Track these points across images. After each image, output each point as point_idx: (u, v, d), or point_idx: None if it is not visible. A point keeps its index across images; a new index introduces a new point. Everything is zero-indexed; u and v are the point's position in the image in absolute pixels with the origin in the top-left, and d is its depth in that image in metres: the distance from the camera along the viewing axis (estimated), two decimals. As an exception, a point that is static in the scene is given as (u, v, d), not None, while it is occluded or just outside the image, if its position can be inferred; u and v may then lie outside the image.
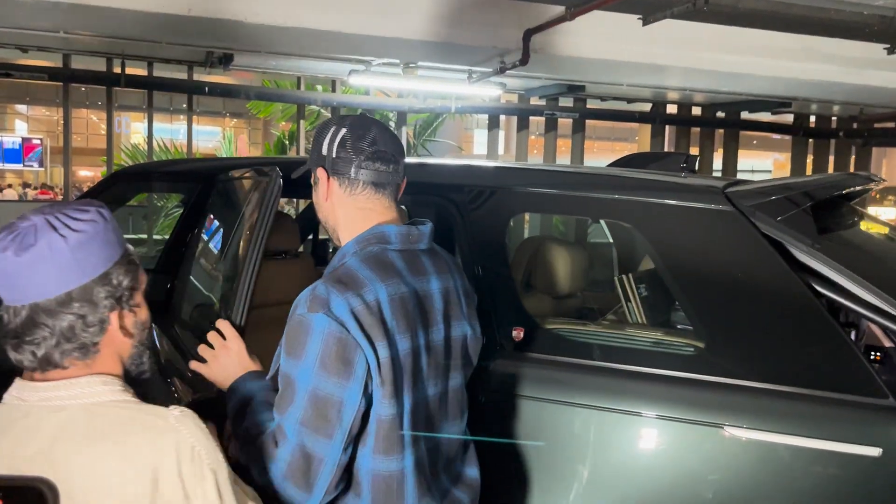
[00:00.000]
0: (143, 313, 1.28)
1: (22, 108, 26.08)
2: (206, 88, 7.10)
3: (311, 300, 1.38)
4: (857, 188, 2.35)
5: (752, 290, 2.02)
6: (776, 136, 12.38)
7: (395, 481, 1.42)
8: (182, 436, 1.13)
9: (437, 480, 1.53)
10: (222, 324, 1.63)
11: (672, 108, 9.46)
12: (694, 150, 9.77)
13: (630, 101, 8.72)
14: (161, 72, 7.23)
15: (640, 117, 9.14)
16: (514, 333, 2.22)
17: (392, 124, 8.57)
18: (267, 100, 9.03)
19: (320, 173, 1.53)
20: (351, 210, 1.52)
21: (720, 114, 9.27)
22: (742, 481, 1.89)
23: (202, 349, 1.63)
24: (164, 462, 1.10)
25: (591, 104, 8.77)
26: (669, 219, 2.18)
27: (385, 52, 6.04)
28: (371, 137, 1.50)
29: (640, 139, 14.31)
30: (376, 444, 1.40)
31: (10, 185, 20.43)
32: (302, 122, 8.15)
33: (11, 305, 1.16)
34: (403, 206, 2.34)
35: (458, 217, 2.33)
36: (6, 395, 1.19)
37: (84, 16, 5.07)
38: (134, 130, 20.29)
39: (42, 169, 18.59)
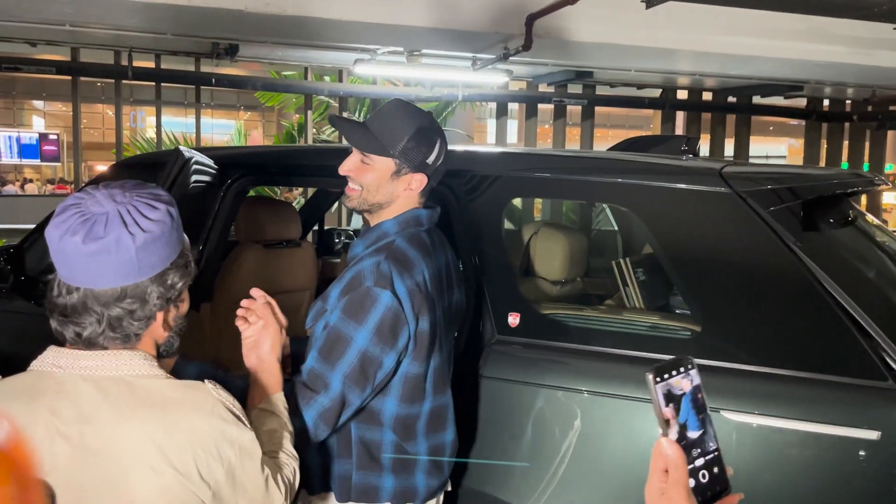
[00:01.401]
0: (185, 306, 1.35)
1: (38, 103, 26.30)
2: (213, 79, 7.11)
3: (378, 276, 1.62)
4: (859, 189, 2.31)
5: (750, 273, 1.99)
6: (792, 122, 12.24)
7: (412, 421, 1.74)
8: (223, 414, 1.21)
9: (442, 426, 1.81)
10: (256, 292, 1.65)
11: (683, 94, 9.36)
12: (705, 137, 9.68)
13: (640, 87, 8.64)
14: (169, 64, 7.25)
15: (649, 103, 9.05)
16: (510, 319, 2.21)
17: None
18: (274, 90, 9.03)
19: (421, 178, 1.73)
20: (412, 200, 1.77)
21: (731, 99, 9.17)
22: (739, 466, 1.86)
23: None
24: (206, 440, 1.18)
25: (601, 91, 8.70)
26: (666, 202, 2.15)
27: (388, 40, 6.02)
28: (447, 149, 1.77)
29: (654, 126, 14.21)
30: (402, 394, 1.70)
31: (31, 181, 20.64)
32: (309, 112, 8.14)
33: (65, 283, 1.20)
34: None
35: (455, 202, 2.31)
36: (38, 362, 1.22)
37: (88, 7, 5.09)
38: (149, 125, 20.40)
39: (59, 164, 18.76)
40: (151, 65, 7.10)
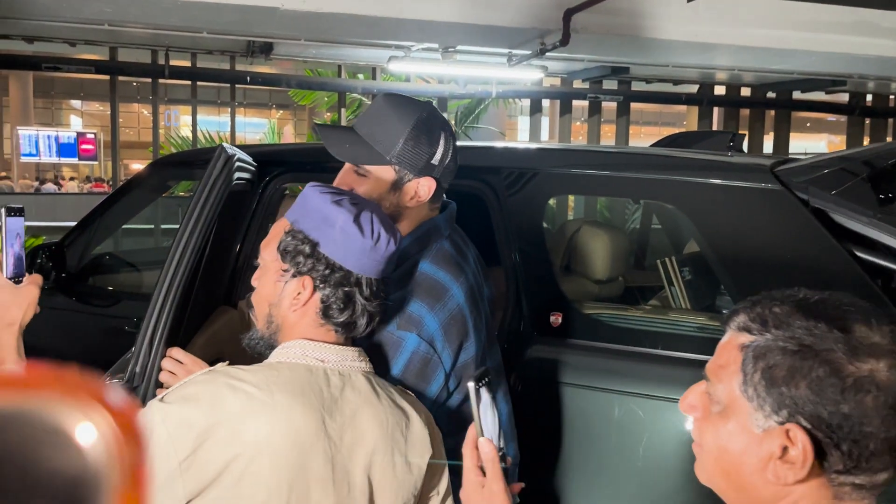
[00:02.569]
0: None
1: (76, 103, 26.82)
2: (248, 78, 7.15)
3: (403, 318, 1.41)
4: None
5: (802, 272, 1.93)
6: (831, 118, 11.97)
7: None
8: None
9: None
10: (175, 352, 1.59)
11: (720, 90, 9.20)
12: (743, 133, 9.51)
13: (676, 82, 8.51)
14: (204, 63, 7.31)
15: (686, 99, 8.91)
16: (552, 319, 2.16)
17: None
18: (308, 88, 9.06)
19: (428, 182, 1.48)
20: (426, 209, 1.53)
21: (771, 94, 8.98)
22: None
23: (165, 377, 1.58)
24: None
25: (636, 87, 8.59)
26: (714, 198, 2.09)
27: (422, 36, 5.99)
28: (455, 145, 1.51)
29: (688, 123, 14.01)
30: (449, 429, 1.43)
31: (72, 178, 21.00)
32: (343, 110, 8.15)
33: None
34: None
35: (494, 200, 2.27)
36: (300, 356, 1.23)
37: (127, 6, 5.14)
38: (183, 123, 20.68)
39: (95, 162, 19.08)
40: (188, 64, 7.16)
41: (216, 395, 1.13)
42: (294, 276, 1.23)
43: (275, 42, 6.47)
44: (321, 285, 1.22)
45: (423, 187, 1.47)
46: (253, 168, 2.60)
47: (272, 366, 1.21)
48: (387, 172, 1.45)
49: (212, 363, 1.41)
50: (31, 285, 1.23)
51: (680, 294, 2.39)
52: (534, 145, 2.70)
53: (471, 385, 1.01)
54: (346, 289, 1.22)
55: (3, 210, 1.21)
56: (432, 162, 1.46)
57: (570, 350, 2.10)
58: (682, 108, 10.75)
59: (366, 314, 1.25)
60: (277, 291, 1.25)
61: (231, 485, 1.12)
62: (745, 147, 9.32)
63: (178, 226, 1.86)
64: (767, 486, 0.80)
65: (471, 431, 1.03)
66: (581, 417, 2.03)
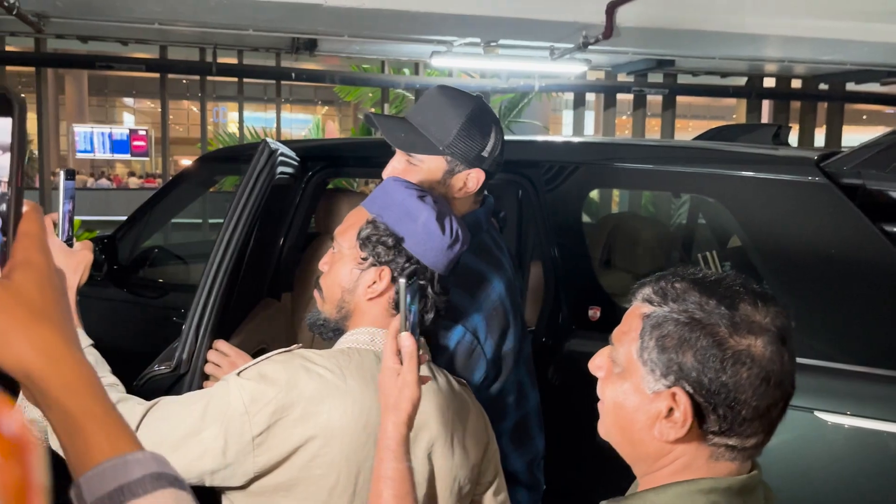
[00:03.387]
0: None
1: (129, 100, 27.47)
2: (293, 74, 7.25)
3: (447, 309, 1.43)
4: None
5: (847, 268, 1.89)
6: (888, 110, 11.60)
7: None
8: None
9: (528, 438, 1.67)
10: (220, 344, 1.66)
11: (770, 82, 8.98)
12: (794, 126, 9.28)
13: (724, 75, 8.34)
14: (250, 60, 7.43)
15: (734, 92, 8.72)
16: (591, 313, 2.16)
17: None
18: (352, 84, 9.13)
19: (478, 174, 1.52)
20: (471, 200, 1.57)
21: (823, 86, 8.74)
22: (834, 467, 1.77)
23: (210, 368, 1.64)
24: None
25: (682, 79, 8.44)
26: (756, 192, 2.06)
27: (464, 31, 5.99)
28: (503, 138, 1.56)
29: (737, 116, 13.72)
30: None
31: (131, 174, 21.51)
32: (386, 105, 8.20)
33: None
34: None
35: (534, 193, 2.28)
36: (369, 343, 1.27)
37: (176, 5, 5.26)
38: (231, 120, 21.07)
39: (147, 159, 19.53)
40: (233, 60, 7.29)
41: (293, 376, 1.17)
42: (372, 265, 1.27)
43: (319, 38, 6.53)
44: (398, 277, 1.24)
45: (473, 179, 1.50)
46: (296, 163, 2.65)
47: (344, 351, 1.25)
48: (438, 162, 1.49)
49: (255, 354, 1.46)
50: (85, 249, 1.29)
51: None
52: (571, 139, 2.69)
53: (402, 281, 1.08)
54: (422, 283, 1.26)
55: (61, 173, 1.26)
56: (482, 154, 1.49)
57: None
58: (732, 101, 10.53)
59: (433, 308, 1.28)
60: (353, 278, 1.28)
61: (302, 465, 1.15)
62: (794, 140, 9.11)
63: (222, 220, 1.92)
64: (653, 443, 0.90)
65: (394, 323, 1.11)
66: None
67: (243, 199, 1.88)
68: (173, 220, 4.17)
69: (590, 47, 5.77)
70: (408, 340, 1.08)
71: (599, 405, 0.97)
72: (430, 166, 1.50)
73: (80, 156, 17.92)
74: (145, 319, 3.00)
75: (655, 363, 0.88)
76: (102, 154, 17.61)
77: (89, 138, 16.88)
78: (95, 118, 24.29)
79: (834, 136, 9.10)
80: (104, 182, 18.66)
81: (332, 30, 6.06)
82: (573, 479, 2.01)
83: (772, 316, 0.86)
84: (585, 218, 2.64)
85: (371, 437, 1.17)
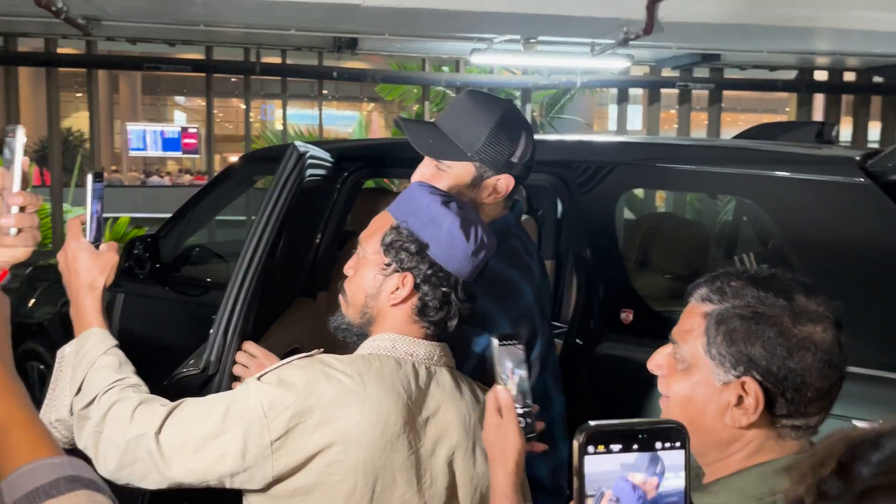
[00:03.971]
0: None
1: (180, 99, 28.07)
2: (335, 73, 7.32)
3: (474, 316, 1.42)
4: None
5: (888, 271, 1.82)
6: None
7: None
8: None
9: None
10: (248, 346, 1.69)
11: (822, 75, 8.72)
12: (847, 121, 8.99)
13: (773, 68, 8.13)
14: (294, 59, 7.52)
15: (783, 86, 8.49)
16: (623, 315, 2.13)
17: (518, 102, 8.47)
18: (392, 82, 9.17)
19: (507, 180, 1.52)
20: (500, 206, 1.58)
21: (877, 79, 8.45)
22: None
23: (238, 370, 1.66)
24: None
25: (729, 73, 8.25)
26: (795, 194, 2.00)
27: (504, 28, 5.96)
28: (534, 144, 1.55)
29: (789, 110, 13.37)
30: None
31: (188, 171, 21.97)
32: (427, 103, 8.22)
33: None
34: None
35: (567, 194, 2.26)
36: (391, 349, 1.28)
37: (220, 7, 5.36)
38: (277, 118, 21.37)
39: (198, 156, 19.95)
40: (278, 60, 7.39)
41: (312, 382, 1.18)
42: (395, 271, 1.27)
43: (359, 37, 6.58)
44: (421, 284, 1.25)
45: (502, 184, 1.50)
46: (329, 164, 2.67)
47: (365, 357, 1.26)
48: (467, 168, 1.49)
49: (288, 354, 1.47)
50: (111, 251, 1.32)
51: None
52: (606, 138, 2.66)
53: (495, 342, 1.14)
54: (445, 290, 1.26)
55: (89, 175, 1.29)
56: (512, 160, 1.49)
57: (642, 348, 2.06)
58: (784, 94, 10.26)
59: (457, 315, 1.28)
60: (376, 284, 1.28)
61: (319, 471, 1.16)
62: (847, 136, 8.83)
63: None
64: (725, 430, 0.96)
65: (496, 386, 1.16)
66: (651, 415, 2.00)
67: (271, 202, 1.91)
68: (217, 218, 4.25)
69: (631, 43, 5.68)
70: (504, 394, 1.14)
71: (663, 401, 1.03)
72: (458, 172, 1.50)
73: (132, 153, 18.41)
74: (186, 317, 3.07)
75: (724, 356, 0.95)
76: (154, 152, 18.07)
77: (142, 136, 17.33)
78: (148, 116, 24.88)
79: (889, 130, 8.79)
80: (155, 179, 19.10)
81: (372, 29, 6.09)
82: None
83: (824, 305, 0.94)
84: (628, 215, 2.62)
85: (389, 443, 1.17)
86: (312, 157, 2.21)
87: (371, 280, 1.29)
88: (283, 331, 2.28)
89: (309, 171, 2.41)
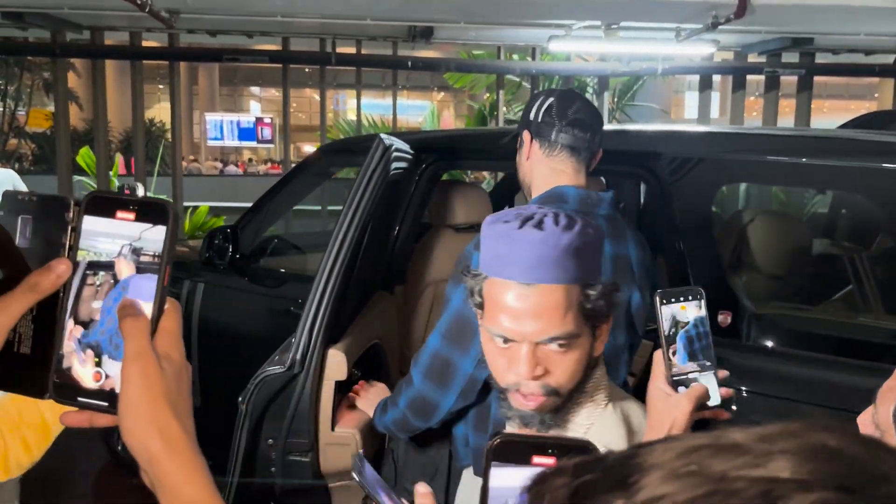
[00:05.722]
0: None
1: (255, 89, 28.69)
2: (409, 63, 7.28)
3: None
4: None
5: None
6: None
7: None
8: None
9: None
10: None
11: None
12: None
13: (868, 52, 7.67)
14: (369, 49, 7.52)
15: (880, 70, 8.01)
16: (721, 318, 2.00)
17: (591, 91, 8.26)
18: (467, 71, 9.08)
19: (525, 135, 1.70)
20: (546, 170, 1.67)
21: None
22: None
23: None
24: None
25: (821, 58, 7.83)
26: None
27: (584, 14, 5.79)
28: (575, 107, 1.66)
29: (880, 96, 12.67)
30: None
31: (270, 161, 22.46)
32: (501, 92, 8.10)
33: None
34: (602, 178, 2.42)
35: (658, 187, 2.14)
36: None
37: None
38: (350, 107, 21.60)
39: (272, 146, 20.38)
40: (353, 50, 7.40)
41: None
42: None
43: (435, 26, 6.51)
44: None
45: (525, 143, 1.70)
46: (410, 156, 2.62)
47: None
48: (523, 137, 1.72)
49: (368, 350, 1.43)
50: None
51: (871, 294, 2.14)
52: (701, 128, 2.51)
53: (656, 298, 1.04)
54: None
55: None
56: (529, 117, 1.68)
57: (740, 353, 1.93)
58: (874, 79, 9.70)
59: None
60: None
61: None
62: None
63: (341, 207, 1.91)
64: None
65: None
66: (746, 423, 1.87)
67: (357, 196, 1.86)
68: (294, 208, 4.27)
69: (720, 27, 5.43)
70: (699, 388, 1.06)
71: None
72: (522, 141, 1.72)
73: (210, 143, 18.93)
74: (264, 308, 3.08)
75: None
76: (231, 141, 18.54)
77: (219, 126, 17.80)
78: (225, 107, 25.53)
79: None
80: (232, 168, 19.58)
81: (448, 17, 6.02)
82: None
83: None
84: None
85: None
86: (397, 149, 2.16)
87: None
88: (363, 327, 2.24)
89: (393, 165, 2.36)
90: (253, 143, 19.37)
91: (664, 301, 1.02)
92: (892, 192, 1.88)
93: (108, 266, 0.59)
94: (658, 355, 1.02)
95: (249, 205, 3.38)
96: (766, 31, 6.54)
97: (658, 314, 1.02)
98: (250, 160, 22.13)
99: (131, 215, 0.59)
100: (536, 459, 0.56)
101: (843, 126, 2.67)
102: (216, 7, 5.75)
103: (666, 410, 1.00)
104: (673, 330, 1.03)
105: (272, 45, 7.68)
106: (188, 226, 7.66)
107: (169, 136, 8.74)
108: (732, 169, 2.17)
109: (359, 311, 2.27)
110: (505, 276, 1.07)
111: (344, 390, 2.06)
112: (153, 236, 0.59)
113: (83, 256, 0.60)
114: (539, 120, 1.66)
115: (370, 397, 1.93)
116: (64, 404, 0.60)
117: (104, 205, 0.59)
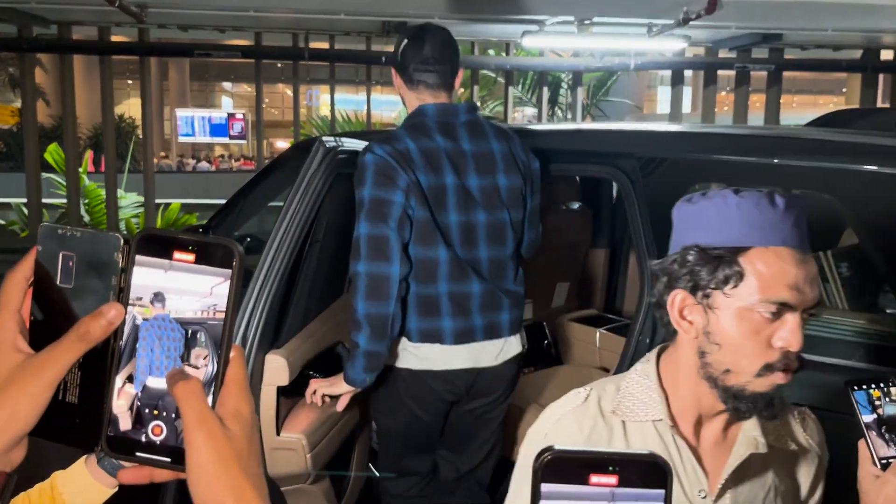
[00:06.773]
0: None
1: (227, 85, 28.39)
2: (383, 58, 7.25)
3: (363, 149, 1.88)
4: None
5: None
6: None
7: (432, 265, 1.91)
8: None
9: (481, 281, 1.96)
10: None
11: (888, 54, 8.35)
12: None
13: (836, 48, 7.80)
14: (342, 44, 7.49)
15: (847, 66, 8.16)
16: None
17: (565, 87, 8.29)
18: (441, 66, 9.06)
19: (393, 72, 2.03)
20: (412, 98, 2.01)
21: (949, 58, 8.06)
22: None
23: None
24: None
25: (790, 54, 7.95)
26: (879, 188, 1.87)
27: (557, 9, 5.82)
28: (427, 47, 1.96)
29: (848, 91, 12.90)
30: (415, 236, 1.88)
31: (243, 156, 22.28)
32: (475, 87, 8.11)
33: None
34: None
35: (630, 187, 2.16)
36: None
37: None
38: (323, 103, 21.48)
39: (244, 142, 20.20)
40: (326, 45, 7.37)
41: None
42: None
43: (409, 21, 6.51)
44: None
45: (394, 75, 2.03)
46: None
47: None
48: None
49: (330, 349, 1.43)
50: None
51: (836, 292, 2.18)
52: (669, 128, 2.54)
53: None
54: None
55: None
56: (395, 57, 2.00)
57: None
58: (842, 74, 9.87)
59: None
60: None
61: None
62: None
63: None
64: None
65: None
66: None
67: (294, 199, 1.90)
68: (269, 205, 4.24)
69: (691, 23, 5.49)
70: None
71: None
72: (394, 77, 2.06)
73: (181, 139, 18.70)
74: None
75: None
76: (202, 138, 18.32)
77: (190, 122, 17.58)
78: (196, 102, 25.22)
79: (961, 112, 8.38)
80: (203, 165, 19.38)
81: (422, 12, 6.01)
82: None
83: None
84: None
85: None
86: (344, 152, 2.12)
87: None
88: (318, 330, 2.24)
89: (343, 168, 2.32)
90: (225, 140, 19.16)
91: (854, 388, 1.01)
92: (858, 191, 1.92)
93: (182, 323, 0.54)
94: (861, 444, 1.02)
95: (222, 202, 3.35)
96: (737, 26, 6.63)
97: (853, 402, 1.02)
98: (222, 156, 21.88)
99: (190, 257, 0.53)
100: (595, 479, 0.49)
101: (809, 124, 2.72)
102: (187, 1, 5.68)
103: (875, 491, 1.00)
104: (871, 416, 1.02)
105: (244, 41, 7.62)
106: (160, 223, 7.59)
107: (139, 132, 8.63)
108: (703, 169, 2.20)
109: (315, 315, 2.26)
110: (778, 244, 1.05)
111: (300, 394, 2.06)
112: (222, 291, 0.53)
113: (142, 312, 0.54)
114: (398, 59, 1.99)
115: (331, 379, 1.96)
116: (120, 460, 0.55)
117: (159, 244, 0.54)
